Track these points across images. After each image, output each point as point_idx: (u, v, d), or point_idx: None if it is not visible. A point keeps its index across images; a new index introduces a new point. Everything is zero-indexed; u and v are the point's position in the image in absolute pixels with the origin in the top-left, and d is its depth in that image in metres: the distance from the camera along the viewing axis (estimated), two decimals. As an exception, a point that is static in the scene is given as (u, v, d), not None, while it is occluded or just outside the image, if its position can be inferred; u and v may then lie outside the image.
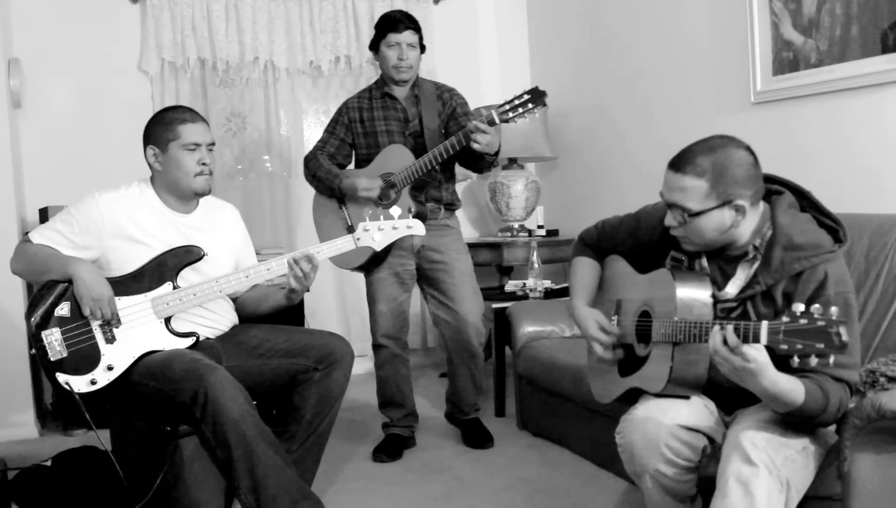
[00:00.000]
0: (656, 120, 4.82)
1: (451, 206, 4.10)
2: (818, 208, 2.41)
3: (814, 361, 1.93)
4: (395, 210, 3.05)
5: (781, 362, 2.04)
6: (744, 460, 2.14)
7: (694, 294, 2.37)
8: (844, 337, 1.88)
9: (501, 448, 4.06)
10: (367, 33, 5.61)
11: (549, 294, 4.83)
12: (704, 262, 2.46)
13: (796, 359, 1.95)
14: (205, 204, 3.23)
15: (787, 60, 3.83)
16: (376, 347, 4.12)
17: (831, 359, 1.93)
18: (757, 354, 2.04)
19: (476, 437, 4.12)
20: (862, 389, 2.46)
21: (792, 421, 2.22)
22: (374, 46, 4.03)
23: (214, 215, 3.26)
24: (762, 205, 2.38)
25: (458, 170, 4.19)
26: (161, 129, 3.08)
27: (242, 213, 3.44)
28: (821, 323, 1.91)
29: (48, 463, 3.34)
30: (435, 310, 4.11)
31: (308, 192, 5.57)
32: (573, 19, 5.62)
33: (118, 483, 2.93)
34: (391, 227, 3.06)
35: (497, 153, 3.83)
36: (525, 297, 4.81)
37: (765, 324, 2.00)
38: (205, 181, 3.10)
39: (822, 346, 1.90)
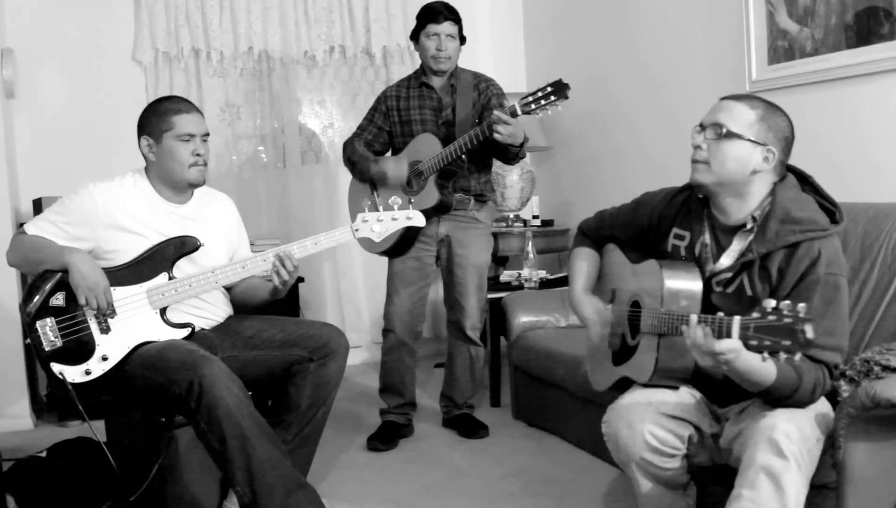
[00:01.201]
0: (651, 110, 4.82)
1: (482, 197, 4.09)
2: (819, 192, 2.43)
3: (782, 357, 1.94)
4: (395, 201, 3.03)
5: None
6: (775, 452, 2.13)
7: (681, 284, 2.39)
8: (810, 334, 1.89)
9: (496, 437, 4.07)
10: (362, 23, 5.62)
11: (544, 284, 4.84)
12: (707, 238, 2.47)
13: (765, 355, 1.97)
14: (199, 195, 3.22)
15: (782, 49, 3.83)
16: (386, 331, 4.14)
17: (797, 356, 1.93)
18: (729, 346, 2.04)
19: (470, 427, 4.13)
20: (856, 378, 2.46)
21: (768, 400, 2.24)
22: (415, 36, 4.06)
23: (209, 205, 3.25)
24: (772, 184, 2.40)
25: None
26: (156, 119, 3.07)
27: (237, 204, 3.43)
28: (788, 320, 1.92)
29: (43, 455, 3.33)
30: (445, 295, 4.20)
31: (302, 182, 5.63)
32: (568, 8, 5.61)
33: (113, 475, 2.92)
34: (390, 218, 3.04)
35: (523, 145, 3.83)
36: (520, 287, 4.81)
37: (736, 320, 2.01)
38: (199, 172, 3.09)
39: (788, 343, 1.91)
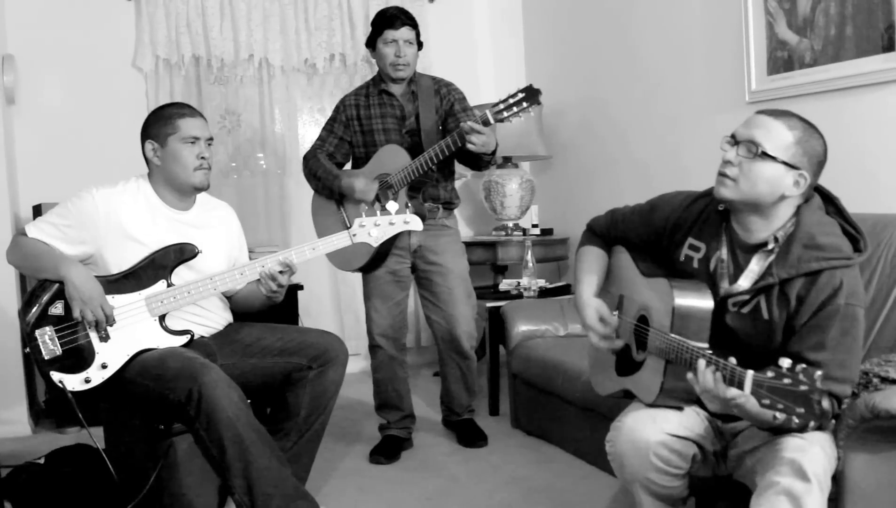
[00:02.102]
0: (651, 119, 4.83)
1: (450, 205, 4.07)
2: (843, 216, 2.37)
3: (793, 423, 1.88)
4: (392, 205, 3.03)
5: None
6: (798, 475, 2.07)
7: (692, 307, 2.33)
8: (826, 405, 1.85)
9: (495, 446, 4.07)
10: (363, 31, 5.61)
11: (543, 293, 4.84)
12: (724, 253, 2.41)
13: (777, 415, 1.90)
14: (201, 202, 3.23)
15: (781, 60, 3.83)
16: (373, 348, 4.09)
17: (811, 425, 1.87)
18: (739, 393, 2.00)
19: (469, 436, 4.11)
20: (855, 390, 2.45)
21: (772, 430, 2.21)
22: (371, 44, 4.00)
23: (211, 212, 3.25)
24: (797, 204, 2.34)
25: (456, 167, 4.17)
26: (160, 123, 3.08)
27: (236, 210, 3.43)
28: (804, 388, 1.86)
29: (41, 461, 3.33)
30: (428, 312, 4.10)
31: (302, 189, 5.61)
32: (568, 18, 5.62)
33: (111, 482, 2.92)
34: (388, 223, 3.04)
35: (494, 152, 3.79)
36: (519, 296, 4.81)
37: (749, 375, 1.96)
38: (204, 176, 3.10)
39: (802, 411, 1.85)
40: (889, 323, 2.83)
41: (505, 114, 3.60)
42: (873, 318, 2.87)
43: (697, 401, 2.38)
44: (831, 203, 2.40)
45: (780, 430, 2.16)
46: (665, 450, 2.32)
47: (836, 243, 2.25)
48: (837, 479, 2.23)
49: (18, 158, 4.92)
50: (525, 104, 3.59)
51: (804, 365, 1.89)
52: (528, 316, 4.35)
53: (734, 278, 2.38)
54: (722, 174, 2.32)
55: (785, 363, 1.90)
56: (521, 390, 4.26)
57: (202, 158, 3.08)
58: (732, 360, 2.04)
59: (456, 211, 4.17)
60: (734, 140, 2.32)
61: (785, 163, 2.25)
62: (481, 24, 6.11)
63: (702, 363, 2.10)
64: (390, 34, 3.90)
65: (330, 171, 3.95)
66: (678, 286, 2.36)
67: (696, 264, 2.46)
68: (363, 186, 3.83)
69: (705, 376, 2.08)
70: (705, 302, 2.34)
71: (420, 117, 3.93)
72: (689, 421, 2.39)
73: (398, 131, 3.95)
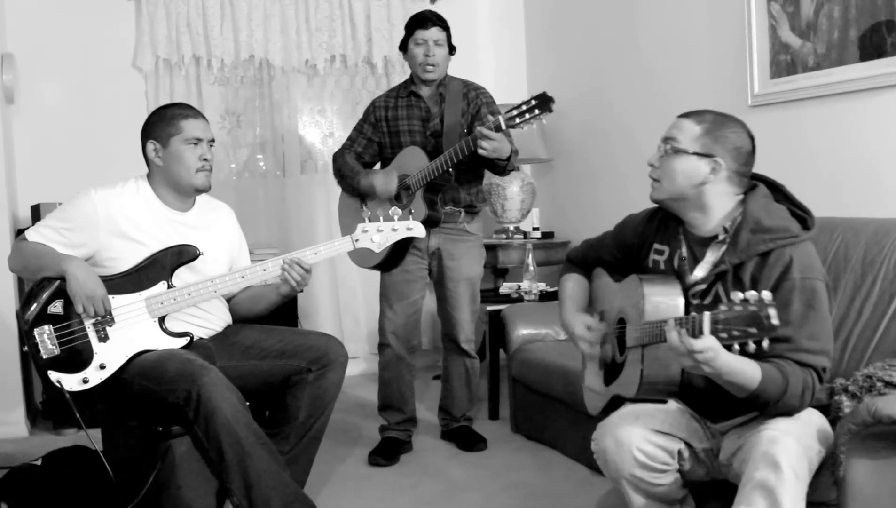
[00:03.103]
0: (652, 122, 4.81)
1: (472, 208, 4.07)
2: (791, 200, 2.48)
3: (751, 348, 1.98)
4: (395, 211, 3.05)
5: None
6: (771, 466, 2.13)
7: (662, 296, 2.41)
8: (774, 320, 1.93)
9: (495, 451, 4.07)
10: (364, 32, 5.63)
11: (543, 297, 4.84)
12: (684, 252, 2.50)
13: (736, 346, 2.01)
14: (201, 203, 3.23)
15: (784, 63, 3.84)
16: (382, 346, 4.11)
17: (765, 343, 1.97)
18: (705, 344, 2.06)
19: (468, 439, 4.12)
20: (858, 394, 2.47)
21: (757, 406, 2.25)
22: (404, 46, 4.05)
23: (211, 214, 3.26)
24: (739, 195, 2.44)
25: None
26: (163, 123, 3.09)
27: (236, 212, 3.44)
28: (752, 308, 1.96)
29: (38, 463, 3.33)
30: (438, 308, 4.18)
31: (302, 192, 5.64)
32: (571, 22, 5.63)
33: (109, 484, 2.92)
34: (390, 228, 3.06)
35: (510, 158, 3.81)
36: (520, 299, 4.82)
37: (707, 315, 2.04)
38: (206, 177, 3.11)
39: (754, 330, 1.95)
40: (892, 327, 2.83)
41: (517, 120, 3.63)
42: (876, 322, 2.87)
43: (681, 395, 2.44)
44: (778, 191, 2.50)
45: (763, 400, 2.21)
46: (649, 445, 2.38)
47: (782, 225, 2.36)
48: (839, 485, 2.24)
49: (17, 157, 4.93)
50: (538, 112, 3.63)
51: (753, 292, 1.99)
52: (528, 320, 4.35)
53: (693, 271, 2.47)
54: (651, 177, 2.51)
55: (737, 296, 2.00)
56: (522, 394, 4.26)
57: (204, 159, 3.09)
58: (693, 313, 2.11)
59: (481, 214, 4.18)
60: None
61: (697, 154, 2.41)
62: (483, 26, 6.11)
63: (671, 321, 2.17)
64: (421, 34, 3.95)
65: (353, 168, 4.01)
66: (647, 279, 2.48)
67: (662, 266, 2.57)
68: (382, 181, 3.89)
69: (671, 334, 2.13)
70: (673, 289, 2.44)
71: (444, 120, 3.96)
72: (675, 417, 2.47)
73: (422, 133, 3.99)
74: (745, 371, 2.16)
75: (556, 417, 3.94)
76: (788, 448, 2.14)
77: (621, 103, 5.13)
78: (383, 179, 3.90)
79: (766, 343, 1.97)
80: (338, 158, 4.12)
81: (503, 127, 3.63)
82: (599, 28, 5.31)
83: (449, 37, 4.03)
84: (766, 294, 1.96)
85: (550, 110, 3.65)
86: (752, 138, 2.45)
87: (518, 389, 4.29)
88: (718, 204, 2.43)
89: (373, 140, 4.10)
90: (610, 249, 2.79)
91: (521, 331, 4.29)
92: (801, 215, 2.43)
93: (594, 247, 2.87)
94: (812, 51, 3.69)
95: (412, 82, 4.07)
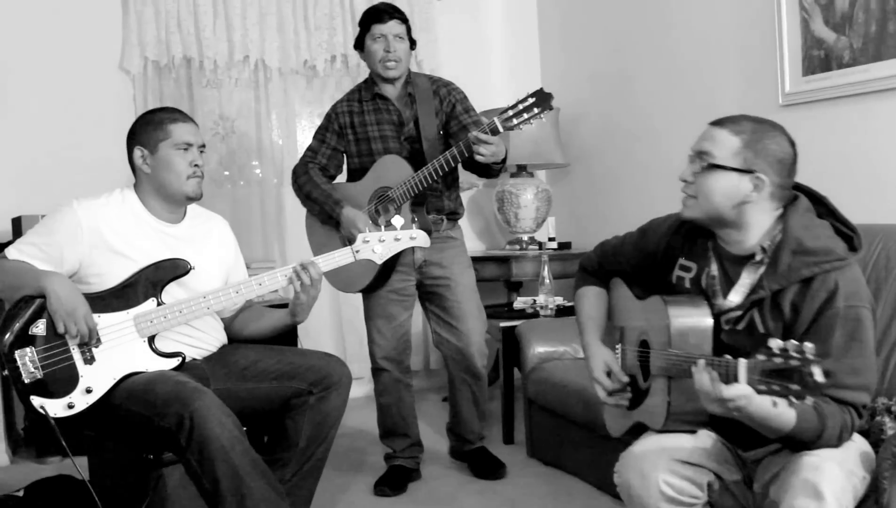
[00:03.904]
0: (677, 123, 4.82)
1: (454, 215, 4.06)
2: (835, 215, 2.41)
3: (792, 402, 1.91)
4: (398, 220, 3.01)
5: None
6: (813, 495, 2.09)
7: (689, 321, 2.38)
8: (819, 377, 1.86)
9: (510, 477, 4.06)
10: (366, 30, 5.63)
11: (560, 312, 4.83)
12: (714, 270, 2.45)
13: (775, 399, 1.94)
14: (192, 214, 3.23)
15: (817, 59, 3.83)
16: (376, 371, 4.08)
17: (808, 400, 1.90)
18: (738, 392, 2.03)
19: (486, 466, 4.08)
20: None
21: (790, 445, 2.22)
22: (360, 44, 3.99)
23: (203, 226, 3.26)
24: (779, 209, 2.38)
25: (465, 177, 4.15)
26: (151, 128, 3.09)
27: (230, 223, 3.44)
28: (795, 362, 1.89)
29: (20, 493, 3.33)
30: (436, 328, 4.09)
31: (299, 202, 5.63)
32: (587, 14, 5.63)
33: (96, 516, 2.92)
34: (393, 238, 3.04)
35: (504, 160, 3.76)
36: (535, 315, 4.81)
37: (742, 363, 2.00)
38: (197, 184, 3.11)
39: (797, 388, 1.89)
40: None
41: (514, 121, 3.55)
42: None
43: (714, 427, 2.40)
44: (821, 204, 2.43)
45: (800, 440, 2.18)
46: (676, 478, 2.33)
47: (826, 246, 2.29)
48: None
49: (-3, 167, 4.93)
50: (536, 110, 3.54)
51: (794, 341, 1.93)
52: (544, 337, 4.34)
53: (726, 292, 2.42)
54: (685, 194, 2.44)
55: (776, 344, 1.94)
56: (538, 416, 4.25)
57: (195, 165, 3.09)
58: (727, 357, 2.08)
59: (461, 222, 4.15)
60: (691, 156, 2.42)
61: (736, 169, 2.32)
62: (493, 23, 6.12)
63: (701, 362, 2.13)
64: (378, 29, 3.89)
65: (330, 196, 3.92)
66: (672, 302, 2.43)
67: (687, 284, 2.52)
68: (363, 225, 3.74)
69: (701, 377, 2.11)
70: (702, 314, 2.40)
71: (420, 123, 3.90)
72: (703, 447, 2.41)
73: (396, 139, 3.93)
74: (781, 416, 2.12)
75: (576, 441, 3.93)
76: (832, 475, 2.11)
77: (642, 104, 5.13)
78: (364, 220, 3.78)
79: (809, 401, 1.91)
80: (300, 174, 4.03)
81: (500, 130, 3.55)
82: (619, 23, 5.32)
83: (409, 29, 3.97)
84: (810, 346, 1.90)
85: (550, 108, 3.58)
86: (793, 145, 2.37)
87: (534, 411, 4.27)
88: (758, 222, 2.36)
89: (337, 150, 4.04)
90: (629, 258, 2.75)
91: (537, 349, 4.28)
92: (847, 232, 2.36)
93: (611, 255, 2.82)
94: (847, 45, 3.69)
95: (374, 83, 3.99)
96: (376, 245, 3.04)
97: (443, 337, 4.07)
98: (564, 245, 5.59)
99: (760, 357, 1.96)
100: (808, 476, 2.12)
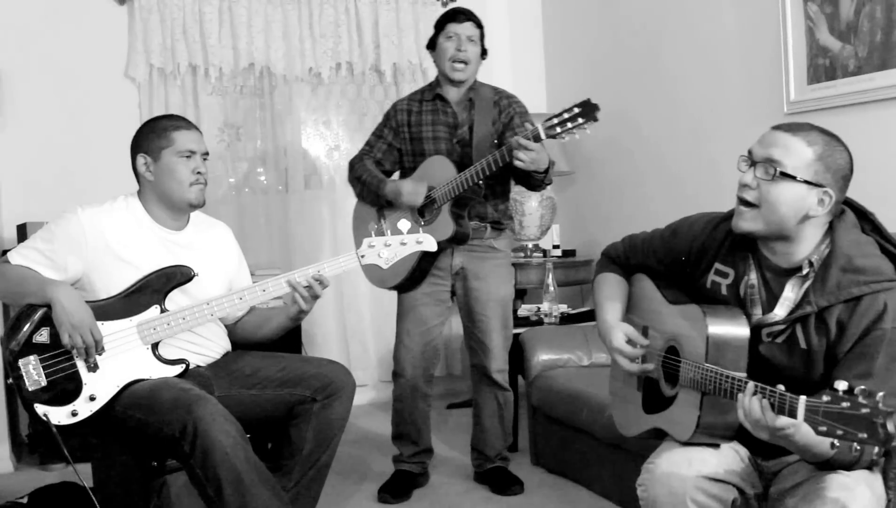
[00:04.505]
0: (682, 132, 4.82)
1: (499, 225, 3.97)
2: (881, 233, 2.34)
3: (854, 449, 1.87)
4: (404, 224, 2.97)
5: None
6: None
7: (728, 334, 2.32)
8: (892, 429, 1.79)
9: (514, 485, 4.04)
10: (371, 38, 5.63)
11: (565, 320, 4.82)
12: (754, 279, 2.39)
13: (836, 442, 1.87)
14: (196, 221, 3.23)
15: (823, 68, 3.82)
16: (396, 375, 4.04)
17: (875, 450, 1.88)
18: (790, 422, 1.98)
19: (502, 482, 4.00)
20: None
21: (823, 467, 2.18)
22: (432, 44, 3.99)
23: (206, 232, 3.25)
24: (828, 223, 2.32)
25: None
26: (154, 136, 3.09)
27: (235, 230, 3.43)
28: (865, 410, 1.82)
29: (24, 500, 3.33)
30: (465, 337, 4.09)
31: (305, 208, 5.63)
32: (592, 22, 5.63)
33: (99, 523, 2.91)
34: (399, 243, 2.98)
35: (548, 170, 3.70)
36: (539, 322, 4.80)
37: (802, 401, 1.93)
38: (200, 191, 3.10)
39: (864, 436, 1.81)
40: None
41: (558, 130, 3.49)
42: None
43: (737, 436, 2.36)
44: (866, 219, 2.36)
45: (831, 464, 2.14)
46: (702, 496, 2.28)
47: (876, 265, 2.22)
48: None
49: (2, 174, 4.93)
50: (581, 120, 3.47)
51: (863, 387, 1.85)
52: (549, 344, 4.33)
53: (767, 305, 2.36)
54: (742, 201, 2.31)
55: (841, 385, 1.87)
56: (542, 424, 4.24)
57: (198, 172, 3.09)
58: (780, 387, 2.01)
59: (508, 231, 4.08)
60: (751, 160, 2.31)
61: (807, 182, 2.22)
62: (498, 32, 6.09)
63: (750, 386, 2.08)
64: (453, 28, 3.89)
65: (376, 175, 3.92)
66: (711, 313, 2.35)
67: (724, 291, 2.44)
68: (410, 188, 3.79)
69: (752, 404, 2.05)
70: (741, 329, 2.33)
71: (474, 128, 3.87)
72: (729, 462, 2.35)
73: (448, 141, 3.90)
74: (823, 443, 2.03)
75: (581, 449, 3.91)
76: (862, 497, 2.08)
77: (648, 111, 5.12)
78: (412, 187, 3.79)
79: (875, 451, 1.87)
80: (356, 163, 4.03)
81: (542, 137, 3.50)
82: (623, 29, 5.31)
83: (482, 36, 3.96)
84: (882, 396, 1.81)
85: (596, 119, 3.49)
86: (852, 162, 2.29)
87: (538, 418, 4.26)
88: (811, 236, 2.28)
89: (393, 146, 4.02)
90: (658, 254, 2.66)
91: (542, 356, 4.27)
92: (892, 250, 2.29)
93: (639, 250, 2.73)
94: (853, 54, 3.68)
95: (438, 84, 3.99)
96: (382, 250, 3.00)
97: (469, 345, 4.07)
98: (569, 253, 5.59)
99: (825, 398, 1.88)
100: (839, 495, 2.07)
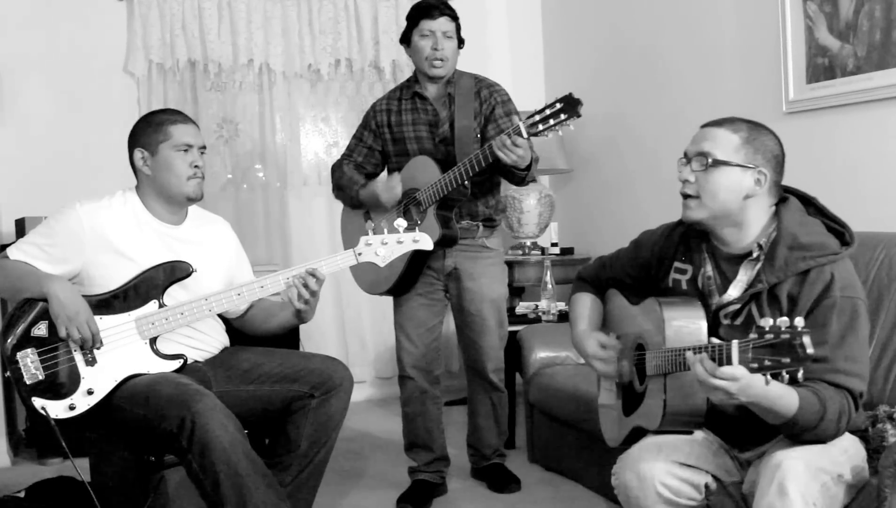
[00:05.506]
0: (680, 130, 4.78)
1: (491, 222, 3.91)
2: (825, 214, 2.49)
3: (786, 378, 1.97)
4: (401, 222, 2.96)
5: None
6: (778, 492, 2.13)
7: (684, 320, 2.42)
8: (809, 349, 1.93)
9: (511, 482, 4.04)
10: (371, 35, 5.63)
11: (563, 317, 4.80)
12: (710, 271, 2.51)
13: (769, 376, 2.01)
14: (194, 216, 3.23)
15: (822, 67, 3.82)
16: (402, 379, 3.97)
17: (799, 374, 1.96)
18: (732, 373, 2.06)
19: (499, 480, 4.00)
20: None
21: (792, 433, 2.24)
22: (406, 38, 3.84)
23: (205, 227, 3.25)
24: (772, 208, 2.46)
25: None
26: (151, 130, 3.09)
27: (233, 226, 3.43)
28: (786, 336, 1.95)
29: (21, 495, 3.32)
30: (459, 336, 4.04)
31: (304, 204, 5.64)
32: (591, 20, 5.63)
33: (97, 517, 2.91)
34: (395, 241, 3.00)
35: (530, 167, 3.60)
36: (537, 320, 4.79)
37: (735, 344, 2.05)
38: (197, 185, 3.10)
39: (788, 360, 1.95)
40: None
41: (540, 127, 3.38)
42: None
43: (708, 423, 2.44)
44: (810, 204, 2.51)
45: (803, 432, 2.21)
46: (673, 479, 2.36)
47: (821, 241, 2.37)
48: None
49: (1, 169, 4.93)
50: (563, 116, 3.38)
51: (784, 318, 1.98)
52: (546, 342, 4.33)
53: (723, 291, 2.48)
54: (684, 196, 2.48)
55: (766, 322, 2.00)
56: (539, 421, 4.24)
57: (196, 166, 3.09)
58: (714, 340, 2.13)
59: (501, 227, 4.01)
60: (686, 159, 2.48)
61: (739, 165, 2.40)
62: (496, 31, 6.11)
63: (689, 355, 2.18)
64: (427, 25, 3.74)
65: (352, 179, 3.86)
66: (665, 302, 2.48)
67: (684, 286, 2.57)
68: (383, 188, 3.71)
69: (696, 367, 2.13)
70: (696, 311, 2.45)
71: (454, 124, 3.76)
72: (700, 448, 2.45)
73: (430, 139, 3.80)
74: (783, 397, 2.15)
75: (576, 447, 3.92)
76: (796, 472, 2.14)
77: (647, 109, 5.12)
78: (385, 186, 3.71)
79: (800, 374, 1.96)
80: (335, 169, 3.96)
81: (524, 135, 3.39)
82: (623, 28, 5.31)
83: (458, 28, 3.82)
84: (799, 321, 1.96)
85: (578, 115, 3.41)
86: (781, 146, 2.47)
87: (535, 416, 4.27)
88: (756, 219, 2.44)
89: (374, 148, 3.93)
90: (625, 268, 2.80)
91: (539, 354, 4.28)
92: (838, 229, 2.43)
93: (608, 266, 2.87)
94: (852, 53, 3.68)
95: (416, 81, 3.87)
96: (379, 248, 3.01)
97: (462, 345, 4.03)
98: (567, 251, 5.58)
99: (752, 336, 2.01)
100: (773, 473, 2.16)
